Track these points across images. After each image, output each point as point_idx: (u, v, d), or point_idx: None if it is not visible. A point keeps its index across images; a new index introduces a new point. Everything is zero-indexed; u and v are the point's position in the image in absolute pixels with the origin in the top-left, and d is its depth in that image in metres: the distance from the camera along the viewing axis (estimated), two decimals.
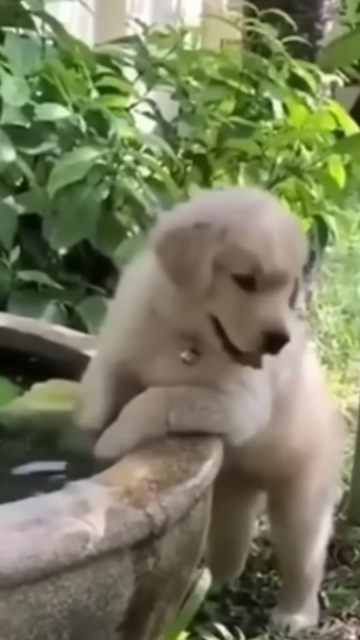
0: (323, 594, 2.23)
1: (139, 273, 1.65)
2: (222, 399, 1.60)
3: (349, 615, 2.20)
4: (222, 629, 1.99)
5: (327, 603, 2.22)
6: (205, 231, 1.55)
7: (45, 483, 1.48)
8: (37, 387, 1.79)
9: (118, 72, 3.33)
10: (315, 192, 3.49)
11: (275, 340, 1.55)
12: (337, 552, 2.39)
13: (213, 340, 1.58)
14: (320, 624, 2.15)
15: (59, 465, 1.57)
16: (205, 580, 1.68)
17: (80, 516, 1.33)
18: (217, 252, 1.55)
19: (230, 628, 2.02)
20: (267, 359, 1.60)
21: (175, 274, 1.56)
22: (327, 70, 3.79)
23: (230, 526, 2.09)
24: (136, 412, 1.59)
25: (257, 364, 1.58)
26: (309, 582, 2.10)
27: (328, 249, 4.75)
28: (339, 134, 3.54)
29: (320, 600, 2.20)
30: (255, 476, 1.92)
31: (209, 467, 1.55)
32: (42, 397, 1.76)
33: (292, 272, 1.60)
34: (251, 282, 1.55)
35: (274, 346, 1.55)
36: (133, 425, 1.57)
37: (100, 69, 3.22)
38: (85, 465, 1.54)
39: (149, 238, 1.63)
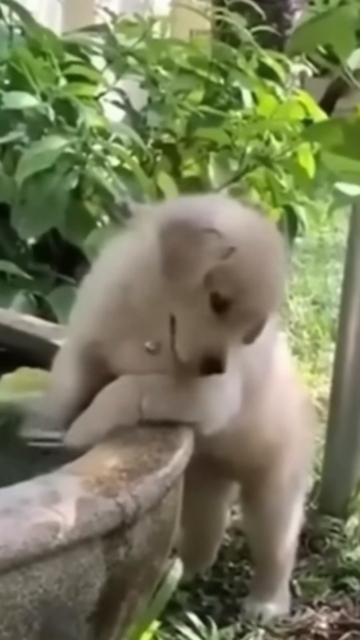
0: (295, 582, 2.23)
1: (117, 255, 1.63)
2: (193, 388, 1.59)
3: (320, 604, 2.21)
4: (194, 618, 1.99)
5: (298, 591, 2.23)
6: (215, 241, 1.52)
7: (13, 472, 1.47)
8: (6, 377, 1.77)
9: (86, 61, 3.31)
10: (285, 182, 3.49)
11: (208, 368, 1.54)
12: (308, 541, 2.40)
13: (166, 337, 1.56)
14: (292, 613, 2.15)
15: (27, 454, 1.56)
16: (177, 570, 1.68)
17: (50, 506, 1.32)
18: (216, 266, 1.52)
19: (202, 617, 2.02)
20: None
21: (169, 263, 1.52)
22: (294, 55, 3.79)
23: (202, 516, 2.09)
24: (108, 400, 1.58)
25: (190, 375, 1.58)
26: (281, 571, 2.10)
27: (298, 240, 4.76)
28: (308, 123, 3.54)
29: (292, 588, 2.21)
30: (227, 465, 1.91)
31: (180, 456, 1.54)
32: (11, 387, 1.74)
33: (266, 314, 1.59)
34: (225, 307, 1.53)
35: (205, 371, 1.55)
36: (105, 414, 1.56)
37: (69, 57, 3.20)
38: (55, 454, 1.53)
39: (152, 218, 1.60)
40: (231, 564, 2.28)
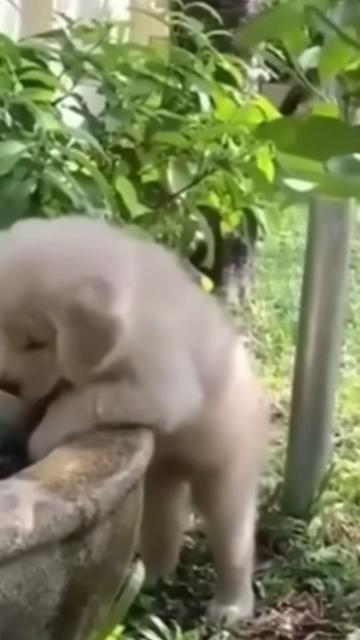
0: (259, 584, 2.24)
1: None
2: (146, 388, 1.59)
3: (284, 605, 2.21)
4: (158, 622, 1.99)
5: (262, 593, 2.23)
6: None
7: None
8: None
9: (43, 67, 3.29)
10: (244, 186, 3.49)
11: (2, 388, 1.61)
12: (272, 542, 2.41)
13: None
14: (257, 614, 2.16)
15: None
16: (139, 574, 1.67)
17: (8, 511, 1.31)
18: None
19: (167, 621, 2.01)
20: (188, 337, 1.66)
21: None
22: (243, 50, 3.80)
23: (159, 518, 2.09)
24: (63, 408, 1.57)
25: None
26: (241, 572, 2.10)
27: (260, 245, 4.78)
28: None
29: (256, 590, 2.21)
30: (185, 465, 1.91)
31: (140, 458, 1.54)
32: None
33: (2, 320, 1.59)
34: None
35: (7, 391, 1.61)
36: (61, 422, 1.55)
37: (25, 63, 3.18)
38: (10, 460, 1.52)
39: None
40: (195, 567, 2.28)
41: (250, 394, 1.99)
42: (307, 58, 1.48)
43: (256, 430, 2.02)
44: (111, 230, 1.78)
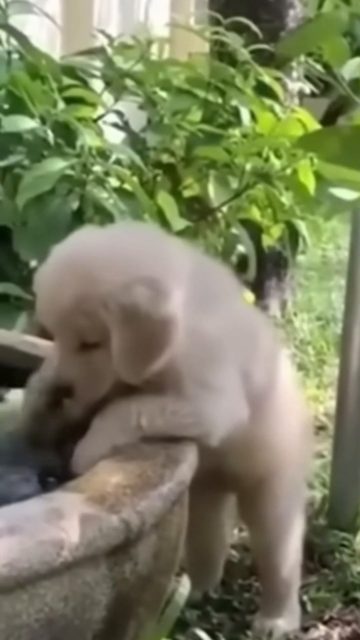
0: (305, 598, 2.22)
1: None
2: (191, 402, 1.59)
3: (331, 619, 2.20)
4: (204, 635, 1.97)
5: (309, 607, 2.22)
6: None
7: (18, 492, 1.47)
8: (14, 393, 1.78)
9: (85, 84, 3.32)
10: (286, 199, 3.49)
11: (57, 391, 1.63)
12: (317, 556, 2.39)
13: None
14: (304, 629, 2.14)
15: (32, 475, 1.55)
16: (184, 587, 1.66)
17: (54, 523, 1.31)
18: None
19: (212, 635, 2.00)
20: (237, 351, 1.65)
21: None
22: (285, 62, 3.81)
23: (205, 532, 2.08)
24: (107, 423, 1.57)
25: None
26: (287, 585, 2.09)
27: (301, 258, 4.77)
28: None
29: (302, 604, 2.19)
30: (231, 478, 1.91)
31: (185, 471, 1.53)
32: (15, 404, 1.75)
33: (56, 321, 1.61)
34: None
35: (62, 395, 1.62)
36: (105, 437, 1.56)
37: (67, 81, 3.21)
38: (59, 474, 1.53)
39: None
40: (240, 581, 2.27)
41: (295, 408, 1.99)
42: (350, 69, 1.48)
43: (302, 443, 2.01)
44: (164, 235, 1.79)
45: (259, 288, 4.01)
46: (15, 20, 3.21)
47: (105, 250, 1.61)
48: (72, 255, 1.62)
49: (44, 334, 2.31)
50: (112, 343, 1.55)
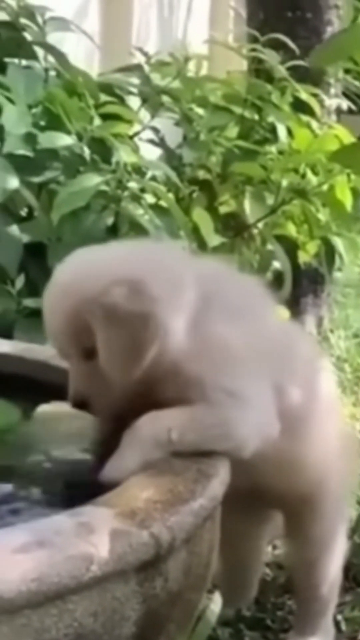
0: (339, 617, 2.20)
1: None
2: (218, 411, 1.59)
3: None
4: None
5: (343, 627, 2.19)
6: None
7: (47, 505, 1.47)
8: (42, 408, 1.78)
9: (122, 101, 3.34)
10: (322, 215, 3.48)
11: (76, 408, 1.64)
12: (352, 574, 2.36)
13: None
14: None
15: (62, 487, 1.55)
16: (216, 604, 1.65)
17: (84, 538, 1.31)
18: None
19: None
20: (269, 365, 1.64)
21: None
22: (320, 77, 3.81)
23: (241, 549, 2.07)
24: (137, 435, 1.57)
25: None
26: (325, 604, 2.06)
27: (338, 274, 4.75)
28: None
29: (336, 623, 2.17)
30: (272, 495, 1.89)
31: (216, 487, 1.52)
32: (46, 419, 1.75)
33: (59, 339, 1.65)
34: None
35: (81, 410, 1.64)
36: (136, 450, 1.55)
37: (104, 97, 3.23)
38: (88, 487, 1.52)
39: None
40: (273, 599, 2.25)
41: (337, 424, 1.97)
42: None
43: (344, 461, 1.99)
44: (172, 248, 1.81)
45: (295, 305, 3.99)
46: (53, 37, 3.24)
47: (88, 261, 1.67)
48: (59, 273, 1.68)
49: None
50: (98, 346, 1.57)
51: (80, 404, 1.62)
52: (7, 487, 1.56)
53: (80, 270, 1.65)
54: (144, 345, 1.56)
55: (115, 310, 1.55)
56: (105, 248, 1.76)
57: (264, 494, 1.87)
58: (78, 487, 1.56)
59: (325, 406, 1.89)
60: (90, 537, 1.31)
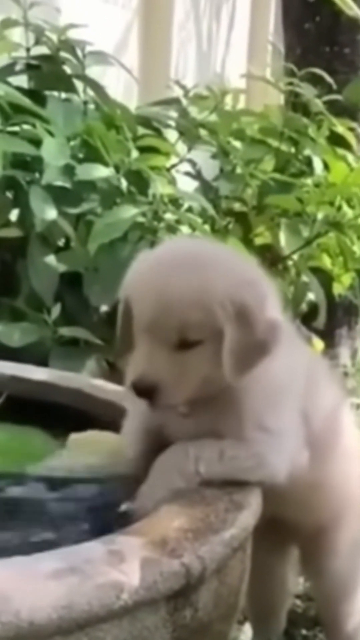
0: None
1: None
2: (252, 446, 1.59)
3: None
4: None
5: None
6: None
7: (79, 533, 1.47)
8: (74, 437, 1.79)
9: (159, 133, 3.37)
10: (357, 247, 3.49)
11: (138, 392, 1.55)
12: None
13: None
14: None
15: (95, 515, 1.56)
16: (246, 635, 1.66)
17: (115, 566, 1.31)
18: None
19: None
20: (297, 395, 1.64)
21: None
22: (355, 103, 3.83)
23: (268, 580, 2.06)
24: (165, 467, 1.57)
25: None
26: (352, 638, 2.05)
27: None
28: None
29: None
30: (293, 526, 1.89)
31: (247, 517, 1.52)
32: (79, 447, 1.76)
33: (162, 315, 1.55)
34: (133, 329, 1.59)
35: (142, 396, 1.56)
36: (164, 481, 1.56)
37: (142, 130, 3.27)
38: (120, 516, 1.53)
39: None
40: (304, 631, 2.24)
41: (357, 458, 1.96)
42: None
43: None
44: None
45: (329, 336, 3.99)
46: (94, 71, 3.29)
47: (212, 252, 1.64)
48: (185, 252, 1.62)
49: (111, 376, 2.35)
50: (225, 339, 1.53)
51: (146, 389, 1.55)
52: (38, 514, 1.57)
53: (210, 257, 1.60)
54: (267, 351, 1.56)
55: (249, 311, 1.54)
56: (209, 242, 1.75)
57: (286, 524, 1.87)
58: (109, 515, 1.56)
59: (347, 438, 1.89)
60: (121, 565, 1.32)
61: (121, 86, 4.81)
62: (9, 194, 2.86)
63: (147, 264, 1.61)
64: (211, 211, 3.09)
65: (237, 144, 3.58)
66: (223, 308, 1.53)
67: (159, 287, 1.55)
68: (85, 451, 1.74)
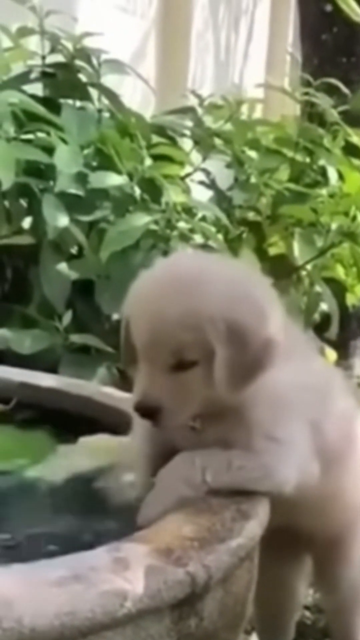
0: None
1: None
2: (260, 456, 1.58)
3: None
4: None
5: None
6: None
7: (85, 540, 1.47)
8: (83, 440, 1.79)
9: (174, 142, 3.38)
10: None
11: (141, 414, 1.56)
12: None
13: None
14: None
15: (100, 522, 1.55)
16: None
17: (119, 573, 1.30)
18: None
19: None
20: (307, 406, 1.64)
21: None
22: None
23: (277, 590, 2.04)
24: (172, 476, 1.56)
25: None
26: None
27: None
28: None
29: None
30: (306, 537, 1.88)
31: (254, 527, 1.51)
32: (88, 451, 1.76)
33: (157, 337, 1.55)
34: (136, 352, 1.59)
35: (145, 417, 1.57)
36: (170, 490, 1.54)
37: (156, 139, 3.27)
38: (126, 522, 1.52)
39: None
40: None
41: None
42: None
43: None
44: None
45: (343, 347, 3.98)
46: (111, 80, 3.30)
47: (211, 269, 1.61)
48: (176, 273, 1.61)
49: (122, 384, 2.34)
50: (215, 358, 1.53)
51: (149, 411, 1.56)
52: (45, 520, 1.57)
53: (202, 275, 1.58)
54: (262, 369, 1.54)
55: (242, 328, 1.52)
56: (207, 255, 1.73)
57: (299, 534, 1.86)
58: (115, 522, 1.56)
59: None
60: (126, 573, 1.31)
61: (138, 95, 4.83)
62: (23, 202, 2.86)
63: (144, 285, 1.61)
64: (225, 220, 3.09)
65: (252, 153, 3.58)
66: (214, 326, 1.52)
67: (152, 310, 1.55)
68: (93, 453, 1.74)
